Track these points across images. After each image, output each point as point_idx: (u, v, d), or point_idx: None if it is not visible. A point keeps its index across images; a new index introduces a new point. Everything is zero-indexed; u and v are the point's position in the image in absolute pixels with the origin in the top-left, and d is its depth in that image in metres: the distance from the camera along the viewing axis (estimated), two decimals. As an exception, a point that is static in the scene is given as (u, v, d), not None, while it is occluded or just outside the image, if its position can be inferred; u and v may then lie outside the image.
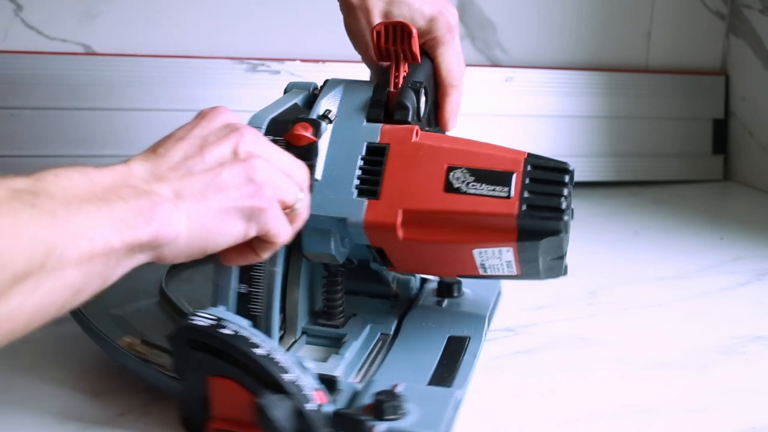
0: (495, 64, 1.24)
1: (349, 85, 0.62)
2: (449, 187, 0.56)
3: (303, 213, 0.53)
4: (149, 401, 0.58)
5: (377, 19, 0.65)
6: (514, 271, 0.59)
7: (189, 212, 0.45)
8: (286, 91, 0.64)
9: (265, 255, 0.52)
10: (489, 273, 0.59)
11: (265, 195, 0.49)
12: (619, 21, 1.28)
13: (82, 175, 0.42)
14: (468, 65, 1.17)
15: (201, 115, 0.51)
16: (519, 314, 0.75)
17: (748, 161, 1.30)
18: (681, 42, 1.32)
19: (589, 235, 1.02)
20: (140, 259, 0.44)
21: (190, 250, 0.46)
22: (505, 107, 1.21)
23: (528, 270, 0.59)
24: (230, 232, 0.48)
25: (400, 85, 0.61)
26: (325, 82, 0.63)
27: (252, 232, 0.49)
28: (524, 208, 0.55)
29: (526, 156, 0.57)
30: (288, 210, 0.51)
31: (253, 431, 0.49)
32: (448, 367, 0.60)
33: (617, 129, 1.28)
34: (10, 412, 0.57)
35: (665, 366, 0.66)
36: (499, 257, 0.58)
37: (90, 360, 0.65)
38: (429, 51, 0.66)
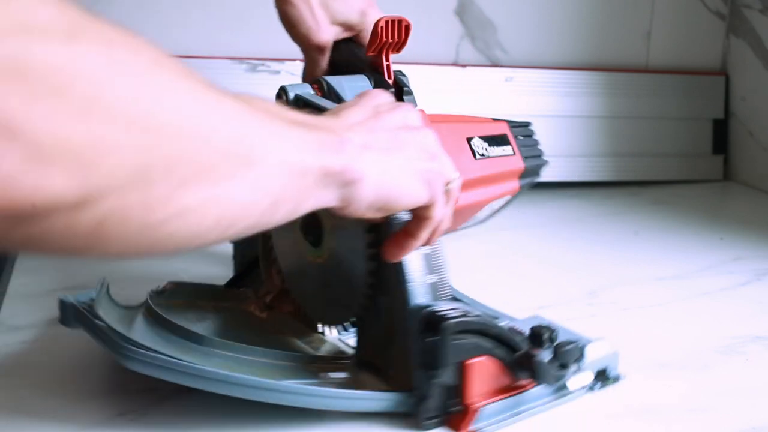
0: (495, 64, 1.24)
1: (347, 80, 0.63)
2: (476, 155, 0.66)
3: (456, 192, 0.53)
4: (149, 401, 0.58)
5: (317, 7, 0.67)
6: (482, 219, 0.73)
7: (375, 161, 0.47)
8: (278, 95, 0.63)
9: (424, 236, 0.52)
10: (463, 227, 0.67)
11: (439, 163, 0.51)
12: (619, 21, 1.28)
13: (273, 104, 0.45)
14: (468, 65, 1.17)
15: (362, 94, 0.54)
16: (519, 314, 0.75)
17: (748, 161, 1.30)
18: (681, 42, 1.32)
19: (589, 235, 1.03)
20: (330, 196, 0.45)
21: (375, 199, 0.48)
22: (505, 107, 1.21)
23: (493, 216, 0.74)
24: (411, 191, 0.50)
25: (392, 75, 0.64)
26: (317, 81, 0.63)
27: (425, 198, 0.50)
28: (525, 159, 0.71)
29: (499, 120, 0.72)
30: (446, 186, 0.52)
31: (503, 394, 0.55)
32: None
33: (617, 129, 1.28)
34: (9, 412, 0.57)
35: (665, 366, 0.66)
36: (491, 207, 0.71)
37: (90, 360, 0.65)
38: (362, 42, 0.69)
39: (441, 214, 0.52)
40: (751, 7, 1.27)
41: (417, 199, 0.50)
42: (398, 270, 0.54)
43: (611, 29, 1.28)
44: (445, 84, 1.17)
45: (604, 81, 1.26)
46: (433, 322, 0.53)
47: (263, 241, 0.67)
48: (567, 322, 0.74)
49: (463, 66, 1.20)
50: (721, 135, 1.33)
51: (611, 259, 0.93)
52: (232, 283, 0.72)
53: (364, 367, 0.58)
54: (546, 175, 1.26)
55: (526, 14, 1.24)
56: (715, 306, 0.80)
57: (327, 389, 0.54)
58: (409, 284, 0.55)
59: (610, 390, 0.62)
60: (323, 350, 0.64)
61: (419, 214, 0.52)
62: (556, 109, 1.24)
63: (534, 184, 0.76)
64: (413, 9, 1.19)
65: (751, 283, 0.86)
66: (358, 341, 0.60)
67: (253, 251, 0.69)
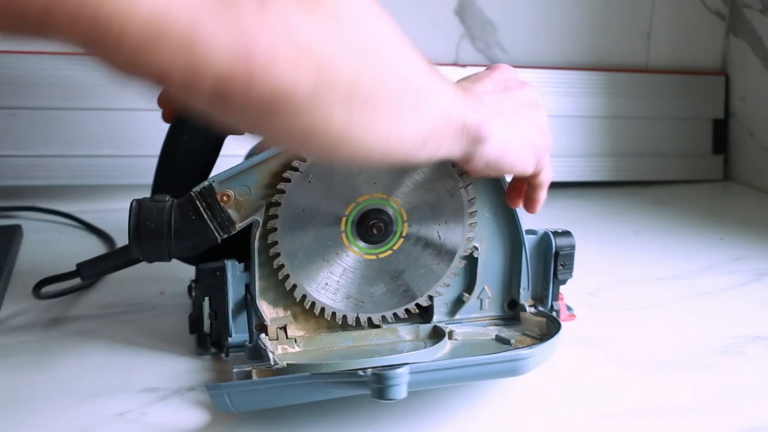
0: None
1: None
2: None
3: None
4: (149, 401, 0.58)
5: None
6: None
7: (500, 126, 0.53)
8: None
9: (543, 196, 0.62)
10: None
11: (549, 140, 0.59)
12: (619, 21, 1.28)
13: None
14: (468, 65, 1.17)
15: (493, 68, 0.60)
16: (519, 314, 0.75)
17: (748, 161, 1.30)
18: (681, 42, 1.32)
19: (589, 235, 1.02)
20: (459, 148, 0.51)
21: (493, 159, 0.54)
22: (505, 107, 1.21)
23: None
24: (524, 159, 0.57)
25: None
26: None
27: (531, 168, 0.58)
28: None
29: None
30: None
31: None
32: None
33: (617, 129, 1.28)
34: (8, 412, 0.57)
35: (665, 366, 0.66)
36: None
37: (89, 360, 0.65)
38: None
39: (549, 179, 0.61)
40: (751, 7, 1.27)
41: (526, 167, 0.57)
42: (517, 218, 0.68)
43: (611, 29, 1.28)
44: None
45: (604, 81, 1.26)
46: (563, 243, 0.69)
47: (266, 276, 0.64)
48: (567, 321, 0.74)
49: (463, 66, 1.20)
50: (721, 135, 1.33)
51: (611, 259, 0.93)
52: (216, 346, 0.66)
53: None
54: (546, 175, 1.27)
55: (526, 14, 1.24)
56: (715, 306, 0.80)
57: (542, 345, 0.59)
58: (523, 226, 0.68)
59: (610, 389, 0.62)
60: (407, 334, 0.67)
61: (533, 182, 0.61)
62: (556, 109, 1.24)
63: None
64: (413, 9, 1.19)
65: (751, 283, 0.86)
66: (435, 308, 0.68)
67: (237, 300, 0.65)
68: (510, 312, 0.70)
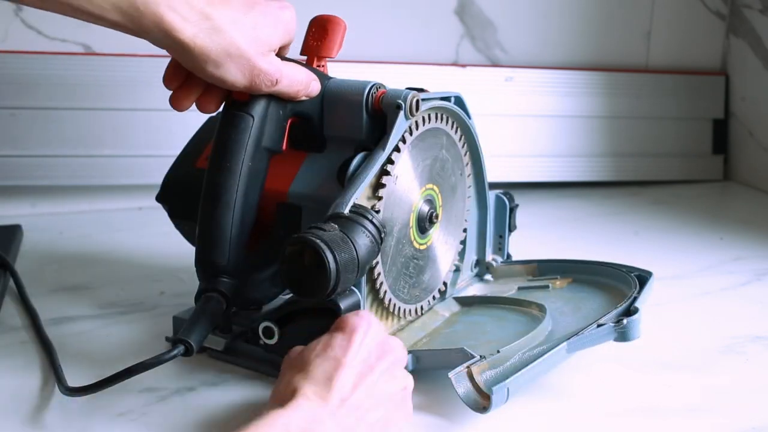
0: (495, 64, 1.24)
1: None
2: None
3: None
4: (149, 401, 0.58)
5: None
6: None
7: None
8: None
9: None
10: None
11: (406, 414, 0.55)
12: (619, 21, 1.28)
13: None
14: (468, 65, 1.17)
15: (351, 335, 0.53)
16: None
17: (748, 161, 1.30)
18: (681, 42, 1.32)
19: (589, 235, 1.03)
20: None
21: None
22: (505, 107, 1.21)
23: None
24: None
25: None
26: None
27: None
28: None
29: None
30: None
31: None
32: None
33: (617, 129, 1.28)
34: (8, 412, 0.57)
35: (665, 366, 0.66)
36: None
37: (90, 360, 0.65)
38: None
39: None
40: (751, 7, 1.27)
41: None
42: (484, 181, 0.73)
43: (611, 29, 1.28)
44: (445, 84, 1.17)
45: (604, 81, 1.26)
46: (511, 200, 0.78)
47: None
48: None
49: (463, 66, 1.20)
50: (721, 135, 1.33)
51: (611, 259, 0.93)
52: None
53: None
54: (546, 175, 1.27)
55: (526, 14, 1.24)
56: (715, 306, 0.80)
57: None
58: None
59: (610, 389, 0.62)
60: (444, 311, 0.70)
61: None
62: (556, 109, 1.24)
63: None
64: (413, 9, 1.19)
65: (751, 283, 0.86)
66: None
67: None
68: (475, 270, 0.77)
